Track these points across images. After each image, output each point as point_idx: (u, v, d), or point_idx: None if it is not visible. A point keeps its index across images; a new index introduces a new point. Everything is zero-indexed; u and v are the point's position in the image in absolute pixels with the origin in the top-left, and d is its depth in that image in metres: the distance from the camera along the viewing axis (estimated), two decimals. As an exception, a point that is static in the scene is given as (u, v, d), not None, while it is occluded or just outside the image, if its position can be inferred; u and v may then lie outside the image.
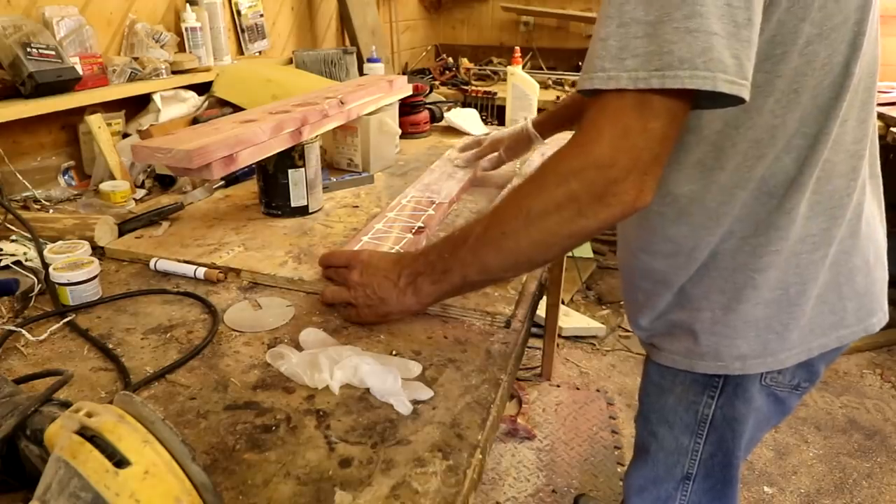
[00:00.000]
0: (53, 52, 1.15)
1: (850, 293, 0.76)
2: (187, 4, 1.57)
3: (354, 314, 0.76)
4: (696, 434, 0.85)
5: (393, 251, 0.89)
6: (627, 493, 0.98)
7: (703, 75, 0.51)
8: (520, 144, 1.26)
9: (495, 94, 2.58)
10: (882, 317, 0.79)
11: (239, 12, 1.83)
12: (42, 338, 0.73)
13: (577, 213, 0.59)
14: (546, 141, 1.23)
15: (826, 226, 0.71)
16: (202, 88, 1.55)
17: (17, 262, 0.87)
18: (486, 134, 1.41)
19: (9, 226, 0.95)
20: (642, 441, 0.94)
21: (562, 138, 1.53)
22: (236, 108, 1.48)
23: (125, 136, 1.34)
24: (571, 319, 2.54)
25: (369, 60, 2.00)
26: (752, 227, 0.70)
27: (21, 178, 1.15)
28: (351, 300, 0.75)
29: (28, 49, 1.11)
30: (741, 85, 0.52)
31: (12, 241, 0.92)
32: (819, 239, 0.71)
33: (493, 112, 2.55)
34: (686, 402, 0.83)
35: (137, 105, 1.41)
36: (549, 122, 1.22)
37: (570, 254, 2.68)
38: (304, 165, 1.07)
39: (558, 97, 2.60)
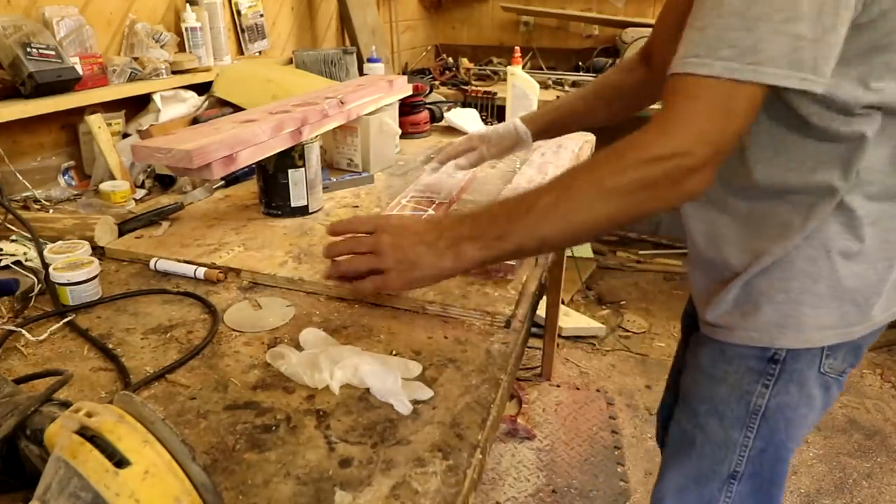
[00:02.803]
0: (53, 52, 1.16)
1: None
2: (187, 4, 1.57)
3: (381, 282, 0.73)
4: (748, 427, 0.82)
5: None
6: (661, 495, 0.93)
7: (798, 76, 0.58)
8: (505, 143, 1.12)
9: (495, 94, 2.57)
10: None
11: (239, 12, 1.83)
12: (42, 338, 0.73)
13: (652, 196, 0.63)
14: (534, 145, 1.13)
15: None
16: (202, 88, 1.55)
17: (17, 262, 0.87)
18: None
19: (9, 226, 0.95)
20: (686, 435, 0.89)
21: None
22: (236, 108, 1.48)
23: (125, 136, 1.34)
24: (571, 319, 2.54)
25: (369, 60, 2.00)
26: None
27: (21, 178, 1.15)
28: (379, 265, 0.72)
29: (28, 49, 1.11)
30: (816, 82, 0.58)
31: (12, 241, 0.92)
32: None
33: (493, 112, 2.55)
34: (739, 392, 0.82)
35: (137, 105, 1.41)
36: (545, 126, 1.11)
37: (569, 253, 2.68)
38: (304, 165, 1.07)
39: (558, 97, 2.60)
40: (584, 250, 3.07)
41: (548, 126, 1.11)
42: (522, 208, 0.68)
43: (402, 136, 1.58)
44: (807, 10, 0.56)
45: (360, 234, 0.76)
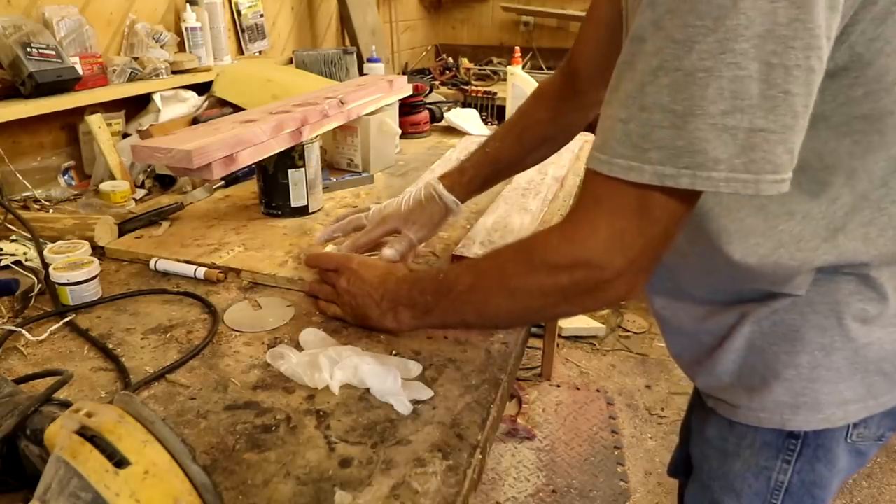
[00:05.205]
0: (53, 52, 1.15)
1: None
2: (187, 4, 1.57)
3: (339, 314, 0.77)
4: (769, 503, 0.73)
5: (383, 260, 0.85)
6: None
7: (745, 178, 0.45)
8: (434, 220, 0.90)
9: (495, 94, 2.58)
10: None
11: (239, 12, 1.83)
12: (42, 338, 0.73)
13: (562, 300, 0.58)
14: (463, 206, 0.91)
15: None
16: (202, 88, 1.55)
17: (17, 262, 0.87)
18: (365, 209, 0.97)
19: (9, 226, 0.95)
20: None
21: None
22: (236, 108, 1.48)
23: (125, 136, 1.34)
24: (571, 319, 2.54)
25: (369, 60, 2.00)
26: None
27: (21, 178, 1.15)
28: (336, 301, 0.77)
29: (28, 49, 1.11)
30: (786, 180, 0.47)
31: (12, 241, 0.92)
32: None
33: (493, 112, 2.55)
34: (756, 468, 0.71)
35: (137, 105, 1.41)
36: (470, 180, 0.92)
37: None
38: (304, 165, 1.07)
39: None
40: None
41: (483, 183, 0.94)
42: (444, 287, 0.67)
43: (402, 136, 1.58)
44: (755, 93, 0.43)
45: (328, 269, 0.80)
